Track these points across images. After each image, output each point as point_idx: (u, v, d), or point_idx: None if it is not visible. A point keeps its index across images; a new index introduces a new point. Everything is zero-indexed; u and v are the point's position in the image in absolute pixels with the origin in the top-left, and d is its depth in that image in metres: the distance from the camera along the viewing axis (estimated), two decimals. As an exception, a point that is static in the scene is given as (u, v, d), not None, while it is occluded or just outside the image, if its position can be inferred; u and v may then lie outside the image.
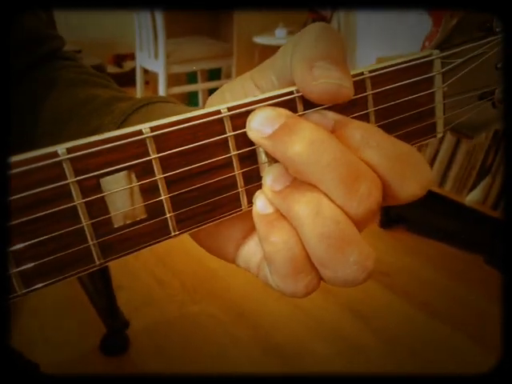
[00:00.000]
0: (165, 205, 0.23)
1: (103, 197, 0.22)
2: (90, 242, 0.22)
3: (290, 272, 0.24)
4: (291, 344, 1.43)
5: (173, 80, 2.84)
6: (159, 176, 0.23)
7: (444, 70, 0.29)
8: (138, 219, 0.23)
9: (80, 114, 0.40)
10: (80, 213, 0.21)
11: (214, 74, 3.26)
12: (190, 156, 0.23)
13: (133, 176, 0.22)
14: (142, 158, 0.22)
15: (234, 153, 0.24)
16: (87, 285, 1.50)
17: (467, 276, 1.72)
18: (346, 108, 0.26)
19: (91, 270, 0.23)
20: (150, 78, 3.27)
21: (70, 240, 0.22)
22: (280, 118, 0.23)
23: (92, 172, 0.21)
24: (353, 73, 0.26)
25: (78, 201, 0.21)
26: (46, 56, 0.47)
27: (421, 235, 1.95)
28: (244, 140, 0.24)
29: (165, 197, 0.23)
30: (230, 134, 0.24)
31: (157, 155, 0.22)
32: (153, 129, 0.22)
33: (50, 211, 0.21)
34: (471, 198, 1.67)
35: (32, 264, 0.21)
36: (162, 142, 0.22)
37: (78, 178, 0.21)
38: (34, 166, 0.20)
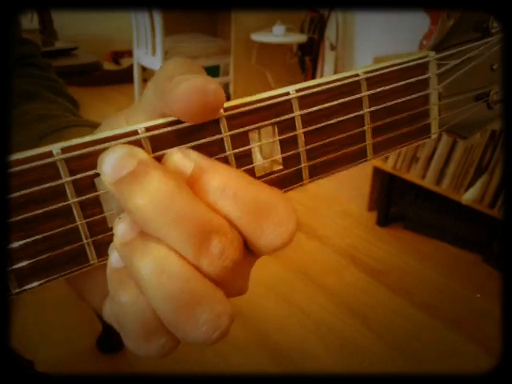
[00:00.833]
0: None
1: (97, 196, 0.22)
2: (85, 241, 0.22)
3: (141, 335, 0.22)
4: (290, 344, 1.43)
5: (170, 77, 2.83)
6: None
7: (439, 71, 0.29)
8: None
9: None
10: (74, 212, 0.22)
11: (212, 72, 3.26)
12: None
13: None
14: None
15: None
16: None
17: (465, 274, 1.72)
18: (341, 110, 0.26)
19: (86, 269, 0.23)
20: (147, 75, 3.27)
21: (65, 239, 0.22)
22: (131, 162, 0.20)
23: (86, 171, 0.21)
24: (348, 74, 0.26)
25: (73, 200, 0.21)
26: (14, 61, 0.47)
27: (418, 233, 1.95)
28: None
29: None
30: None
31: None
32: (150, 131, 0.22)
33: (45, 210, 0.21)
34: (468, 197, 1.67)
35: (26, 263, 0.21)
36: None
37: (73, 178, 0.21)
38: (28, 165, 0.20)
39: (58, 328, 1.47)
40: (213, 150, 0.23)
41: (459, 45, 0.30)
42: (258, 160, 0.25)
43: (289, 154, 0.25)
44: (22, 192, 0.20)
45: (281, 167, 0.25)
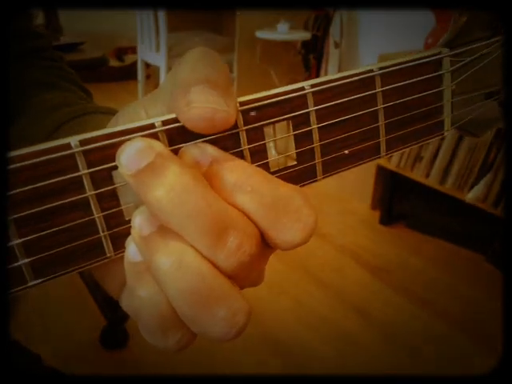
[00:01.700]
0: None
1: (115, 189, 0.22)
2: (101, 234, 0.22)
3: (158, 329, 0.22)
4: (292, 340, 1.44)
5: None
6: None
7: (453, 68, 0.29)
8: None
9: (26, 116, 0.40)
10: (92, 204, 0.22)
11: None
12: None
13: None
14: None
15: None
16: (87, 278, 1.50)
17: (467, 273, 1.72)
18: (355, 106, 0.26)
19: (102, 262, 0.23)
20: (151, 72, 3.27)
21: (82, 231, 0.22)
22: (149, 155, 0.20)
23: (104, 164, 0.21)
24: (362, 70, 0.26)
25: (90, 192, 0.21)
26: (27, 53, 0.47)
27: (421, 232, 1.95)
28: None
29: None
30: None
31: None
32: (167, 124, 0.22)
33: (62, 202, 0.21)
34: (472, 196, 1.67)
35: (43, 255, 0.21)
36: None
37: (91, 170, 0.21)
38: (47, 157, 0.20)
39: (61, 324, 1.47)
40: (228, 145, 0.23)
41: (471, 42, 0.30)
42: (273, 155, 0.25)
43: (303, 149, 0.25)
44: (40, 183, 0.20)
45: (295, 162, 0.26)
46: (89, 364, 1.34)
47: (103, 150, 0.21)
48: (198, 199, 0.20)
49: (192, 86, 0.21)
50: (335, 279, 1.69)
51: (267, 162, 0.25)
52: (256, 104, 0.24)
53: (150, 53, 2.86)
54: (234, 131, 0.23)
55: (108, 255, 0.23)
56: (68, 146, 0.21)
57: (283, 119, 0.24)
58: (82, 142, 0.21)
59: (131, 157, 0.21)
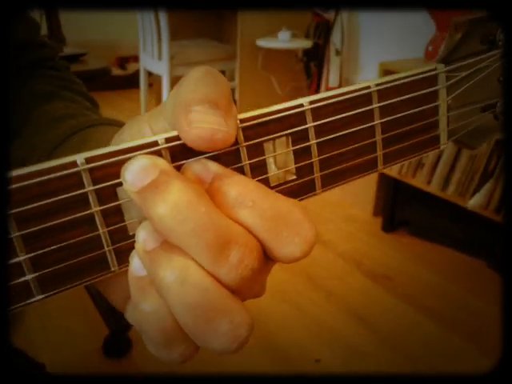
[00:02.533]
0: None
1: (119, 205, 0.23)
2: (106, 249, 0.23)
3: (162, 342, 0.23)
4: (292, 347, 1.43)
5: (176, 82, 2.83)
6: None
7: (448, 83, 0.29)
8: None
9: (33, 127, 0.41)
10: (97, 220, 0.22)
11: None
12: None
13: None
14: None
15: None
16: (90, 286, 1.50)
17: (470, 280, 1.72)
18: (352, 121, 0.27)
19: (107, 276, 0.24)
20: (153, 81, 3.28)
21: (87, 246, 0.22)
22: (153, 172, 0.21)
23: (109, 181, 0.22)
24: (360, 86, 0.27)
25: (96, 208, 0.22)
26: (34, 63, 0.48)
27: (423, 239, 1.95)
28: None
29: None
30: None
31: None
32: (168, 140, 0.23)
33: (69, 218, 0.22)
34: (474, 202, 1.68)
35: (49, 269, 0.22)
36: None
37: (96, 187, 0.22)
38: (53, 175, 0.21)
39: (65, 332, 1.48)
40: (229, 160, 0.24)
41: (467, 57, 0.31)
42: (273, 170, 0.26)
43: (302, 164, 0.26)
44: (48, 200, 0.21)
45: (294, 177, 0.26)
46: (91, 372, 1.34)
47: (108, 167, 0.22)
48: (201, 215, 0.21)
49: (193, 105, 0.22)
50: (337, 286, 1.69)
51: (267, 177, 0.25)
52: (256, 121, 0.24)
53: (152, 61, 2.87)
54: (234, 147, 0.24)
55: (112, 269, 0.23)
56: (74, 164, 0.21)
57: (282, 135, 0.25)
58: (88, 160, 0.21)
59: (136, 174, 0.21)
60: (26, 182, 0.20)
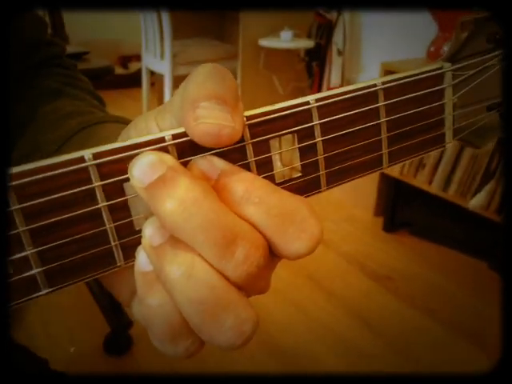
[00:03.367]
0: None
1: (126, 200, 0.23)
2: (113, 244, 0.23)
3: (167, 336, 0.23)
4: (294, 347, 1.43)
5: (178, 81, 2.85)
6: None
7: (454, 82, 0.29)
8: None
9: (38, 125, 0.41)
10: (104, 215, 0.22)
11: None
12: None
13: None
14: None
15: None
16: (92, 284, 1.51)
17: (470, 280, 1.72)
18: (358, 119, 0.27)
19: (113, 271, 0.24)
20: (155, 80, 3.28)
21: (94, 241, 0.23)
22: (161, 168, 0.21)
23: (116, 176, 0.22)
24: (366, 84, 0.27)
25: (103, 204, 0.22)
26: (42, 62, 0.48)
27: (424, 239, 1.95)
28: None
29: None
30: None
31: None
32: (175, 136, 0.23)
33: (76, 213, 0.22)
34: (475, 203, 1.68)
35: (56, 264, 0.22)
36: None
37: (104, 183, 0.22)
38: (61, 170, 0.21)
39: (65, 329, 1.48)
40: (235, 157, 0.24)
41: (473, 56, 0.31)
42: (278, 167, 0.26)
43: (307, 161, 0.26)
44: (55, 195, 0.21)
45: (299, 174, 0.26)
46: (92, 370, 1.34)
47: (115, 162, 0.22)
48: (208, 211, 0.21)
49: (200, 101, 0.22)
50: (339, 286, 1.69)
51: (273, 174, 0.25)
52: (262, 118, 0.24)
53: (155, 60, 2.87)
54: (241, 144, 0.24)
55: (118, 264, 0.24)
56: (82, 160, 0.21)
57: (289, 132, 0.25)
58: (96, 156, 0.22)
59: (143, 170, 0.21)
60: (32, 177, 0.21)
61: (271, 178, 0.25)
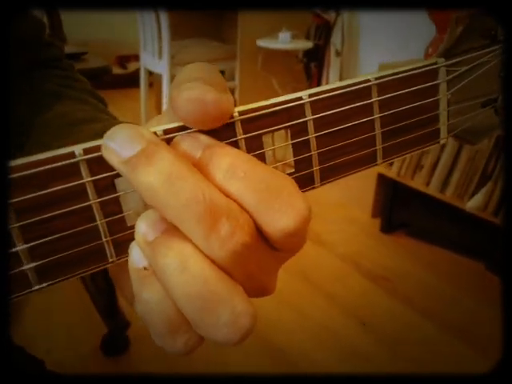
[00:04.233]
0: None
1: (117, 196, 0.23)
2: (104, 239, 0.23)
3: (166, 332, 0.23)
4: (292, 348, 1.43)
5: (176, 82, 2.84)
6: None
7: (449, 78, 0.29)
8: None
9: (42, 131, 0.41)
10: (95, 211, 0.22)
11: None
12: None
13: None
14: None
15: None
16: (89, 284, 1.50)
17: (467, 282, 1.72)
18: (352, 115, 0.26)
19: (104, 267, 0.23)
20: (153, 80, 3.28)
21: (84, 237, 0.22)
22: (141, 141, 0.20)
23: (107, 172, 0.22)
24: (359, 79, 0.27)
25: (93, 200, 0.22)
26: (41, 63, 0.48)
27: (422, 240, 1.95)
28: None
29: None
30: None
31: None
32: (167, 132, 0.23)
33: (66, 210, 0.22)
34: (472, 204, 1.68)
35: (46, 260, 0.22)
36: None
37: (94, 178, 0.22)
38: (51, 165, 0.21)
39: (62, 330, 1.47)
40: None
41: (468, 51, 0.31)
42: (271, 163, 0.25)
43: (301, 157, 0.26)
44: (45, 191, 0.21)
45: (293, 170, 0.26)
46: (89, 371, 1.34)
47: None
48: (193, 187, 0.20)
49: (183, 83, 0.22)
50: (336, 287, 1.69)
51: None
52: (255, 113, 0.24)
53: (153, 60, 2.87)
54: (233, 139, 0.24)
55: (110, 260, 0.23)
56: (72, 155, 0.21)
57: (281, 128, 0.25)
58: (86, 151, 0.21)
59: (123, 143, 0.21)
60: (23, 173, 0.20)
61: None
